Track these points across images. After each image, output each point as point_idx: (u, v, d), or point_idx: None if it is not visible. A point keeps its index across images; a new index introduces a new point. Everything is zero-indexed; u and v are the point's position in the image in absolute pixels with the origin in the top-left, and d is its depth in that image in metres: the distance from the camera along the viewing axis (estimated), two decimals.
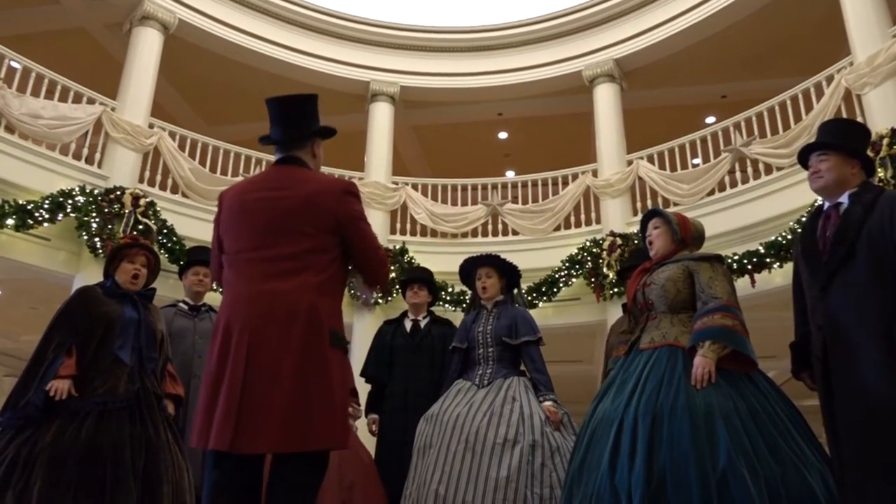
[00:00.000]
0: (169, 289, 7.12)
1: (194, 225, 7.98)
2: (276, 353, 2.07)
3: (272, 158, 2.45)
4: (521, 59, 10.29)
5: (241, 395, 2.03)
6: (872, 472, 2.25)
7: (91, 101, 7.97)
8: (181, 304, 4.10)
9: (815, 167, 2.68)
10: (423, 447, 3.31)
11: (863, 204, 2.51)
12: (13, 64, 7.46)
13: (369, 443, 4.10)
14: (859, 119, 6.98)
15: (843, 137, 2.68)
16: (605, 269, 8.00)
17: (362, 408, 4.21)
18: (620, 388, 2.65)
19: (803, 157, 2.75)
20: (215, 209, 2.43)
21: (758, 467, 2.26)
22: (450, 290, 8.32)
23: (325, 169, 2.53)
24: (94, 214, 7.17)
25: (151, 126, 8.43)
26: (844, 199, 2.60)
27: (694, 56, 9.53)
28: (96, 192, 7.35)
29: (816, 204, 2.76)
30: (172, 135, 8.60)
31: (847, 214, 2.54)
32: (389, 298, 8.49)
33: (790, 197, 7.06)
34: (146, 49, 8.67)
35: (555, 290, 8.32)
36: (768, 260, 6.96)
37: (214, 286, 3.11)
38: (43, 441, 2.73)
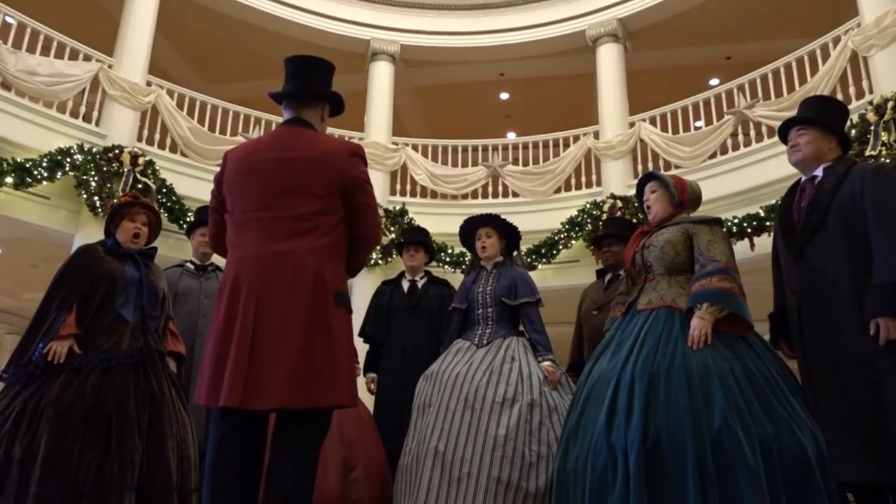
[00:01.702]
0: (169, 248, 7.15)
1: (194, 184, 7.95)
2: (283, 313, 2.11)
3: (273, 118, 2.47)
4: (524, 17, 10.13)
5: (250, 353, 2.08)
6: (846, 431, 2.35)
7: (88, 58, 7.87)
8: (188, 265, 4.12)
9: (794, 141, 2.79)
10: (422, 405, 3.36)
11: (835, 175, 2.62)
12: (8, 19, 7.35)
13: (367, 401, 4.16)
14: (865, 82, 6.92)
15: (823, 114, 2.78)
16: None
17: (361, 367, 4.26)
18: (618, 348, 2.69)
19: (783, 132, 2.84)
20: (215, 169, 2.44)
21: (751, 426, 2.30)
22: (449, 251, 8.34)
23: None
24: (92, 173, 7.14)
25: (149, 84, 8.34)
26: (819, 172, 2.70)
27: (699, 16, 9.38)
28: (95, 150, 7.31)
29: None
30: (171, 93, 8.51)
31: (820, 185, 2.65)
32: (389, 259, 8.52)
33: None
34: (143, 4, 8.52)
35: (554, 252, 8.34)
36: (768, 224, 6.95)
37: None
38: (49, 395, 2.77)
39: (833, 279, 2.50)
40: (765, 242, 7.02)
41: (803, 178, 2.79)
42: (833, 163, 2.70)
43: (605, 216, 8.03)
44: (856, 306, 2.42)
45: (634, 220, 7.53)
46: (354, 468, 3.48)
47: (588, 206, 8.34)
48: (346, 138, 7.36)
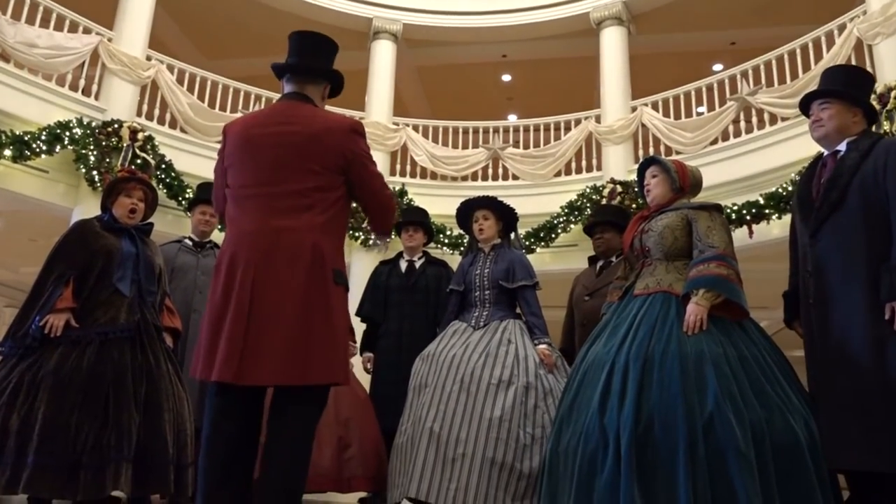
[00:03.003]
0: (167, 224, 7.14)
1: (193, 160, 7.91)
2: (281, 290, 2.10)
3: (273, 95, 2.46)
4: None
5: (246, 328, 2.07)
6: (852, 417, 2.30)
7: (87, 31, 7.81)
8: (186, 241, 4.12)
9: (817, 115, 2.64)
10: (418, 386, 3.37)
11: (859, 150, 2.50)
12: None
13: (364, 381, 4.18)
14: (869, 70, 6.88)
15: (847, 85, 2.64)
16: None
17: (358, 346, 4.28)
18: (613, 332, 2.69)
19: (805, 106, 2.72)
20: (215, 145, 2.43)
21: (744, 411, 2.31)
22: (448, 232, 8.34)
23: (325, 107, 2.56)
24: (91, 147, 7.12)
25: (149, 58, 8.28)
26: (843, 146, 2.58)
27: (705, 0, 9.30)
28: (94, 124, 7.27)
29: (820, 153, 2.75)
30: (171, 68, 8.45)
31: (842, 160, 2.53)
32: (388, 240, 8.49)
33: (794, 148, 7.00)
34: None
35: (553, 235, 8.34)
36: (767, 211, 6.96)
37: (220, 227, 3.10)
38: (46, 367, 2.78)
39: (849, 260, 2.39)
40: (763, 230, 7.03)
41: (825, 153, 2.65)
42: (858, 137, 2.55)
43: (604, 201, 8.02)
44: (871, 289, 2.32)
45: (634, 206, 7.53)
46: (349, 447, 3.51)
47: (588, 190, 8.33)
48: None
